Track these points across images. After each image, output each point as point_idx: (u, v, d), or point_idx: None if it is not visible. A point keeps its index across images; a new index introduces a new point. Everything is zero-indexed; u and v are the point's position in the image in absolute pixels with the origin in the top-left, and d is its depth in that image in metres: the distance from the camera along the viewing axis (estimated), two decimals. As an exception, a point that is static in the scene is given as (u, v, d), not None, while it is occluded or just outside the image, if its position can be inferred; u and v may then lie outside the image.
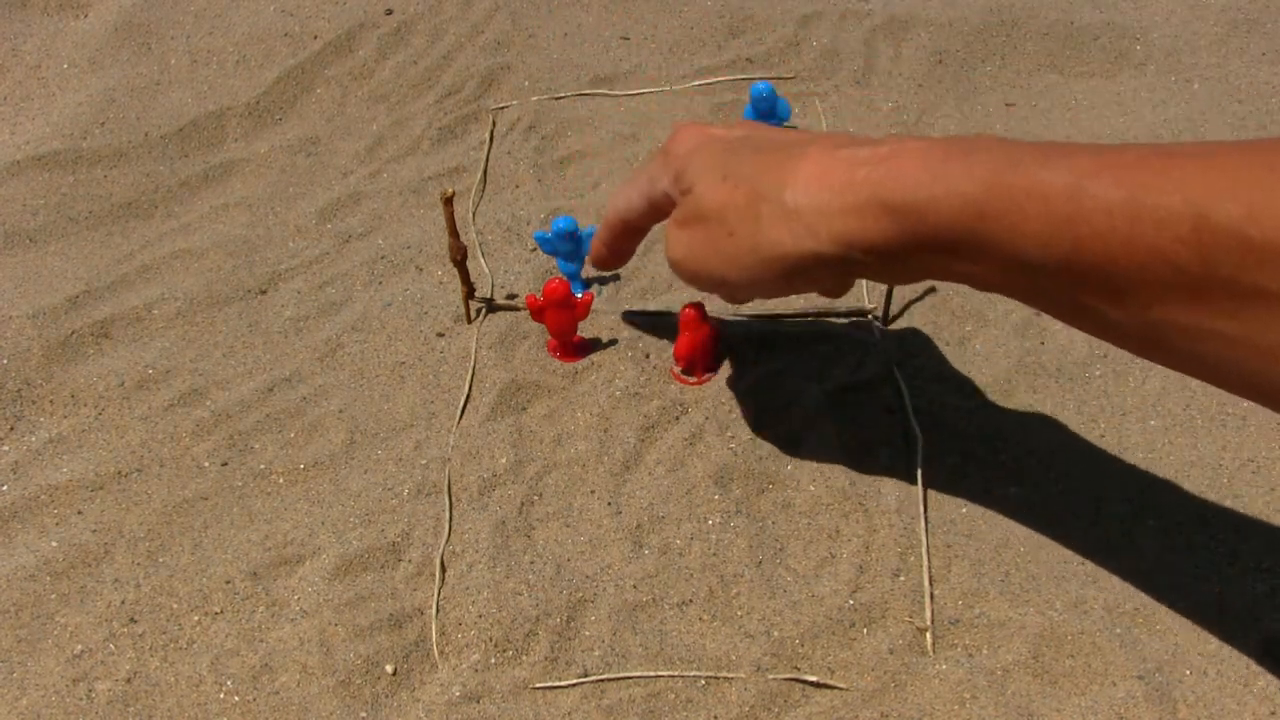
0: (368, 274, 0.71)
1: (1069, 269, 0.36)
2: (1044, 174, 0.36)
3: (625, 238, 0.56)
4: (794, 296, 0.66)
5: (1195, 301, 0.33)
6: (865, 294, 0.66)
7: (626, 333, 0.64)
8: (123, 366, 0.65)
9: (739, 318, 0.65)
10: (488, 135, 0.81)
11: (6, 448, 0.61)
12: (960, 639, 0.50)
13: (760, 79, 0.82)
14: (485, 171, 0.78)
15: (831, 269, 0.43)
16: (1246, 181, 0.31)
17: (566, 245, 0.66)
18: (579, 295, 0.61)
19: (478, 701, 0.49)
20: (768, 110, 0.76)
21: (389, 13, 0.93)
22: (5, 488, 0.59)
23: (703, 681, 0.49)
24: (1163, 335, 0.35)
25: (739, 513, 0.55)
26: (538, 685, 0.49)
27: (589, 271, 0.67)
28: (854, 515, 0.55)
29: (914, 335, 0.64)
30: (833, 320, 0.65)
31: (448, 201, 0.60)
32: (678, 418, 0.60)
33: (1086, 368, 0.63)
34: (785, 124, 0.78)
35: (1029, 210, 0.36)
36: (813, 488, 0.56)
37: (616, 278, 0.69)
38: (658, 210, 0.52)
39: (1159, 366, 0.63)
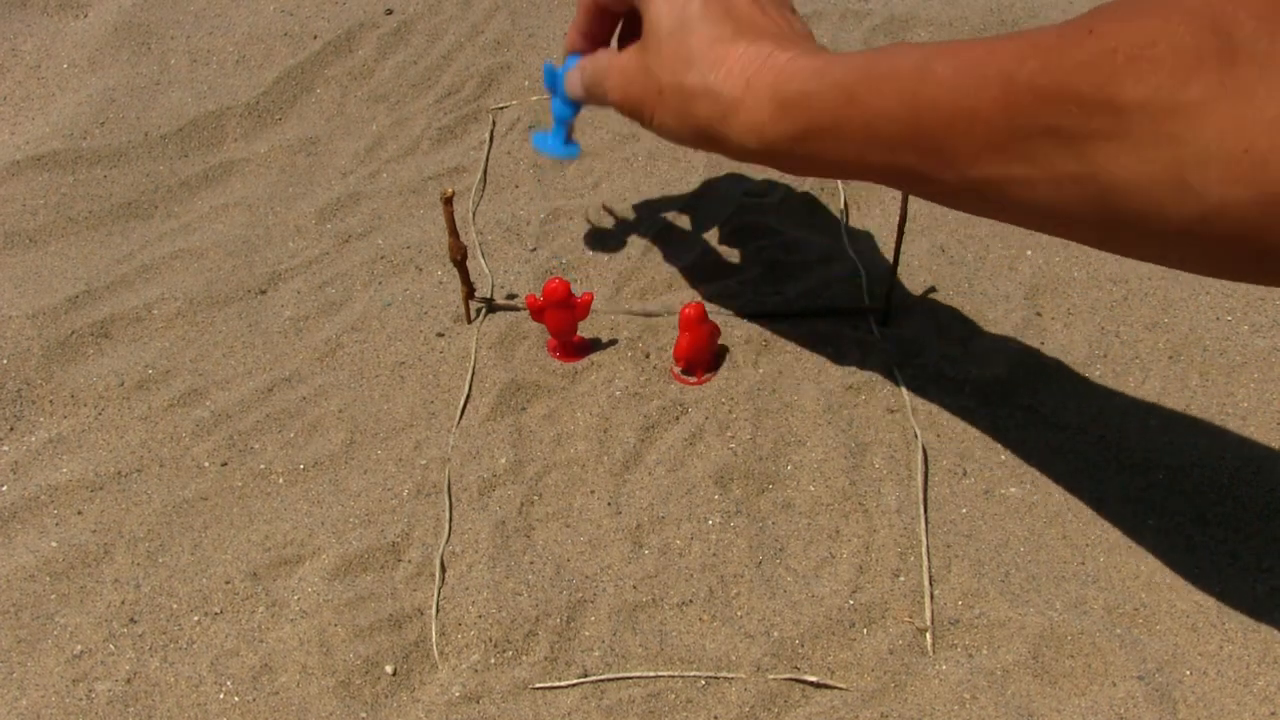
0: (368, 274, 0.71)
1: (912, 141, 0.41)
2: (900, 59, 0.41)
3: (598, 19, 0.59)
4: (793, 296, 0.66)
5: (1002, 154, 0.38)
6: (865, 294, 0.66)
7: (626, 333, 0.64)
8: (123, 366, 0.65)
9: (739, 318, 0.65)
10: (488, 135, 0.81)
11: (6, 448, 0.61)
12: (960, 639, 0.50)
13: None
14: (485, 171, 0.78)
15: (730, 147, 0.49)
16: (1044, 45, 0.36)
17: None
18: (558, 155, 0.62)
19: (477, 701, 0.49)
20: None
21: (389, 13, 0.93)
22: (5, 488, 0.59)
23: (703, 681, 0.49)
24: (982, 190, 0.40)
25: (739, 513, 0.55)
26: (537, 685, 0.49)
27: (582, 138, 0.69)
28: (854, 515, 0.55)
29: (914, 335, 0.64)
30: (832, 320, 0.65)
31: (448, 201, 0.60)
32: (678, 418, 0.60)
33: (1086, 368, 0.63)
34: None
35: (885, 90, 0.41)
36: (813, 488, 0.56)
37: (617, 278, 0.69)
38: None
39: (1159, 366, 0.63)
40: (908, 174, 0.43)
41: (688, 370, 0.61)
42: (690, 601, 0.52)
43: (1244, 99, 0.31)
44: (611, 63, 0.54)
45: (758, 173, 0.76)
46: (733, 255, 0.70)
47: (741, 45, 0.48)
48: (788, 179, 0.75)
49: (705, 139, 0.50)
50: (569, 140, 0.64)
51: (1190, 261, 0.37)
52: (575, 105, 0.62)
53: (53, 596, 0.54)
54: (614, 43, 0.59)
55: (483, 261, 0.70)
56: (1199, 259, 0.37)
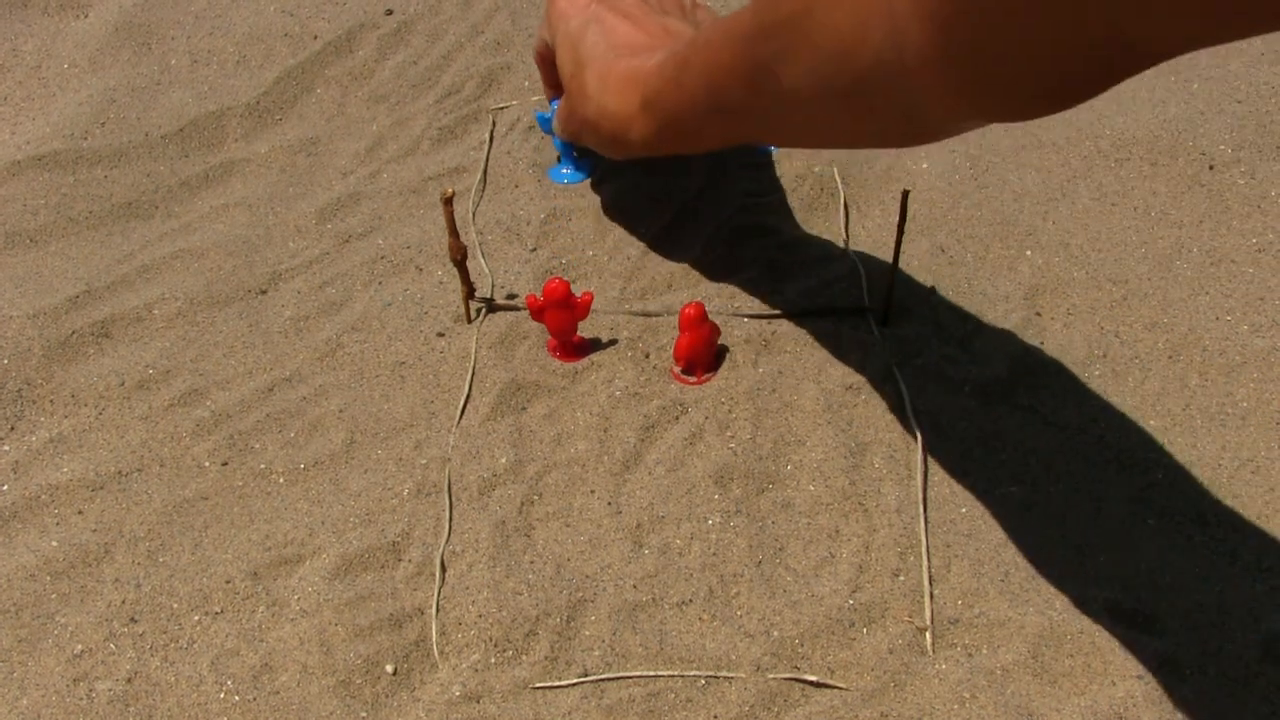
0: (368, 274, 0.71)
1: (710, 103, 0.50)
2: (698, 35, 0.51)
3: (549, 72, 0.70)
4: (793, 296, 0.66)
5: (748, 87, 0.46)
6: (865, 294, 0.66)
7: (626, 333, 0.64)
8: (123, 366, 0.65)
9: (739, 318, 0.65)
10: (488, 135, 0.81)
11: (7, 448, 0.61)
12: (960, 639, 0.50)
13: None
14: (485, 171, 0.78)
15: (645, 150, 0.58)
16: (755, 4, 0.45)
17: None
18: (573, 181, 0.73)
19: (478, 701, 0.49)
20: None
21: (389, 13, 0.93)
22: (5, 488, 0.59)
23: (703, 681, 0.49)
24: (771, 119, 0.48)
25: (739, 513, 0.55)
26: (538, 685, 0.49)
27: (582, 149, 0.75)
28: (854, 515, 0.55)
29: (914, 335, 0.64)
30: (832, 320, 0.65)
31: (448, 201, 0.60)
32: (678, 418, 0.60)
33: (1086, 368, 0.63)
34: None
35: (687, 76, 0.51)
36: (813, 488, 0.56)
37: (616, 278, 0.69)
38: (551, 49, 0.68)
39: (1158, 366, 0.63)
40: (732, 132, 0.52)
41: (688, 370, 0.61)
42: (690, 601, 0.52)
43: None
44: (558, 111, 0.65)
45: (758, 173, 0.76)
46: (733, 255, 0.70)
47: (620, 66, 0.56)
48: (788, 179, 0.75)
49: (628, 150, 0.59)
50: (576, 166, 0.75)
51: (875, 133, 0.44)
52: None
53: (53, 596, 0.54)
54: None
55: (483, 261, 0.70)
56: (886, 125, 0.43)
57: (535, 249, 0.71)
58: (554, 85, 0.71)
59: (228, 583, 0.53)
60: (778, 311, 0.65)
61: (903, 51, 0.36)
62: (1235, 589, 0.52)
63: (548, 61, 0.69)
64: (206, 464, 0.60)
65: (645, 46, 0.57)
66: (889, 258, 0.69)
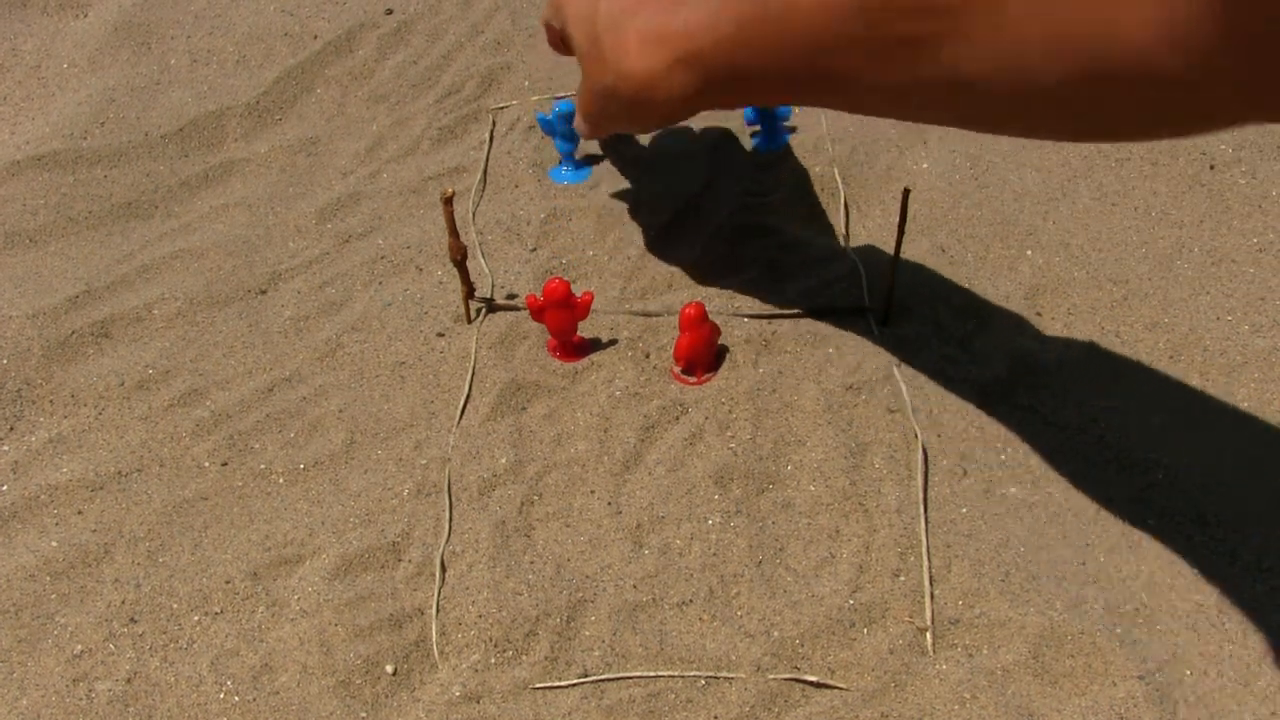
0: (368, 274, 0.71)
1: (802, 70, 0.47)
2: (764, 4, 0.47)
3: (558, 38, 0.66)
4: (793, 296, 0.66)
5: (875, 63, 0.43)
6: (865, 294, 0.66)
7: (626, 333, 0.64)
8: (123, 366, 0.65)
9: (739, 317, 0.65)
10: (488, 135, 0.81)
11: (6, 448, 0.61)
12: (960, 639, 0.50)
13: None
14: (485, 171, 0.78)
15: (672, 114, 0.56)
16: None
17: (565, 126, 0.73)
18: (573, 181, 0.73)
19: (478, 701, 0.49)
20: (768, 110, 0.76)
21: (389, 13, 0.93)
22: (5, 488, 0.59)
23: (703, 681, 0.49)
24: (881, 94, 0.45)
25: (739, 513, 0.55)
26: (538, 685, 0.49)
27: (583, 151, 0.77)
28: (854, 515, 0.55)
29: (914, 335, 0.64)
30: (832, 320, 0.65)
31: (448, 201, 0.60)
32: (678, 418, 0.60)
33: (1087, 368, 0.63)
34: (785, 122, 0.78)
35: (764, 34, 0.47)
36: (813, 488, 0.56)
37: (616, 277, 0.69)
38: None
39: (1159, 366, 0.63)
40: (811, 91, 0.49)
41: (688, 370, 0.61)
42: (690, 601, 0.52)
43: None
44: (578, 97, 0.61)
45: (758, 173, 0.76)
46: (733, 255, 0.70)
47: (638, 23, 0.53)
48: (787, 179, 0.75)
49: (650, 118, 0.56)
50: (577, 166, 0.76)
51: (1043, 128, 0.42)
52: (572, 141, 0.75)
53: (53, 596, 0.54)
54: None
55: (483, 261, 0.70)
56: (1052, 125, 0.41)
57: (535, 249, 0.71)
58: (564, 49, 0.67)
59: (227, 583, 0.53)
60: (778, 311, 0.65)
61: (1184, 48, 0.31)
62: (1235, 589, 0.52)
63: (555, 34, 0.66)
64: (206, 464, 0.60)
65: (659, 6, 0.54)
66: (889, 258, 0.69)
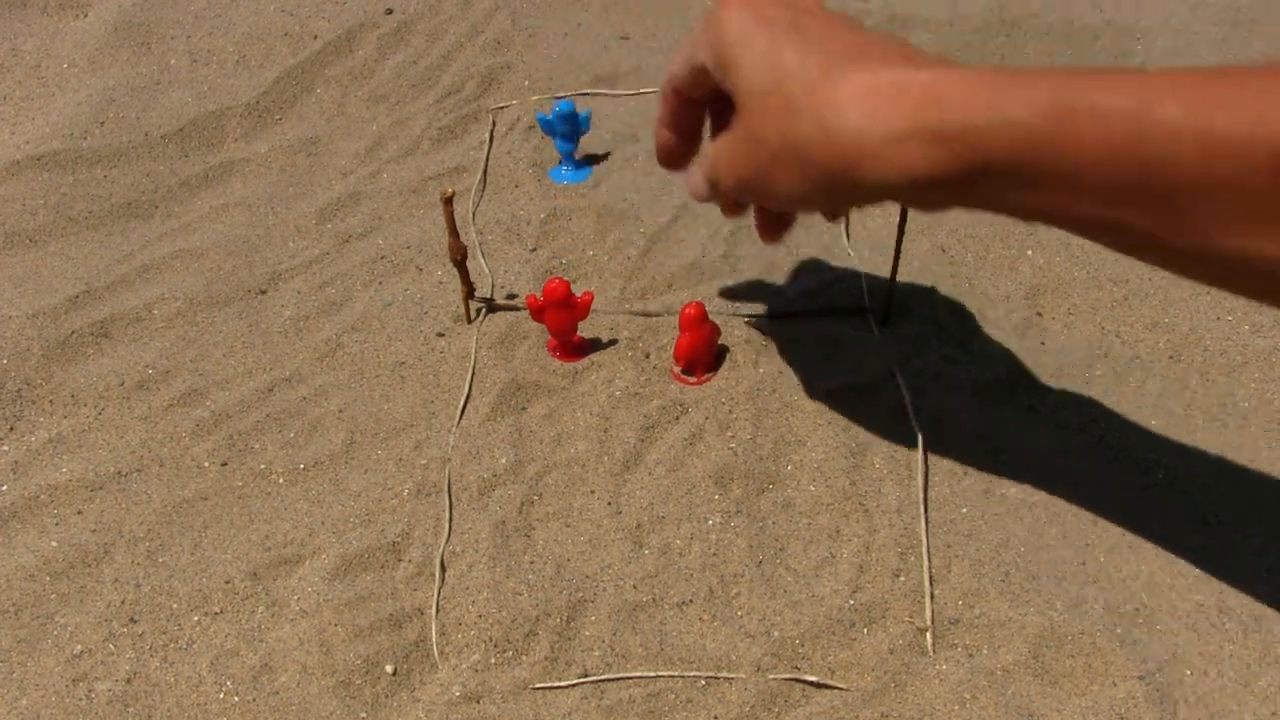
0: (368, 274, 0.71)
1: (1133, 197, 0.34)
2: (1104, 97, 0.34)
3: (681, 108, 0.51)
4: (793, 296, 0.66)
5: (1273, 225, 0.32)
6: (865, 294, 0.66)
7: (626, 333, 0.64)
8: (123, 366, 0.65)
9: (739, 318, 0.65)
10: (488, 135, 0.81)
11: (6, 448, 0.61)
12: (960, 639, 0.50)
13: None
14: (485, 171, 0.78)
15: (872, 195, 0.42)
16: None
17: (565, 126, 0.74)
18: (573, 181, 0.73)
19: (478, 701, 0.49)
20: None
21: (389, 13, 0.93)
22: (5, 488, 0.59)
23: (703, 681, 0.49)
24: (1237, 265, 0.34)
25: (739, 513, 0.55)
26: (538, 685, 0.49)
27: (583, 151, 0.77)
28: (854, 515, 0.55)
29: (914, 335, 0.64)
30: (833, 320, 0.65)
31: (448, 201, 0.60)
32: (678, 418, 0.60)
33: (1086, 368, 0.63)
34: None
35: (1090, 135, 0.34)
36: (813, 488, 0.56)
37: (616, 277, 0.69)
38: (703, 77, 0.48)
39: (1159, 367, 0.63)
40: (1127, 234, 0.37)
41: (688, 370, 0.61)
42: (690, 601, 0.52)
43: None
44: (716, 152, 0.47)
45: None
46: (733, 255, 0.70)
47: (852, 75, 0.40)
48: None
49: (837, 192, 0.42)
50: (578, 167, 0.76)
51: None
52: (573, 141, 0.75)
53: (53, 596, 0.54)
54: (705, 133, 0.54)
55: (483, 261, 0.70)
56: None
57: (535, 249, 0.71)
58: (680, 128, 0.53)
59: (227, 583, 0.53)
60: (778, 311, 0.65)
61: None
62: (1235, 589, 0.52)
63: (685, 95, 0.51)
64: (206, 464, 0.60)
65: (877, 55, 0.41)
66: (889, 258, 0.69)
